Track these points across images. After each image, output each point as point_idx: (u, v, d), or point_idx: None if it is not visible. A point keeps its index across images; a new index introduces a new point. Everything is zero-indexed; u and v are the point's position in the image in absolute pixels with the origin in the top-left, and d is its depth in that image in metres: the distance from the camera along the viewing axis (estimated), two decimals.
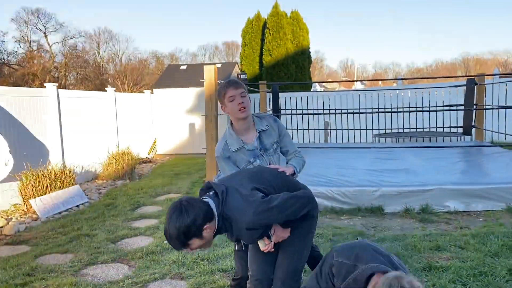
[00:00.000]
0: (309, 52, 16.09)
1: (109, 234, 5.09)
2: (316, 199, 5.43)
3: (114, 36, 48.45)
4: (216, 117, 6.03)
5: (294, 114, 8.93)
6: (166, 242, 4.57)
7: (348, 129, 11.37)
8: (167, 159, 11.80)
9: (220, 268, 3.85)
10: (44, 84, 7.81)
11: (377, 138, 11.37)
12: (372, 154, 8.21)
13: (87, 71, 43.86)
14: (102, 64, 46.92)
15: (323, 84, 60.04)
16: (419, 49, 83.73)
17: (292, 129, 11.27)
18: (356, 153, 8.46)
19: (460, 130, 9.77)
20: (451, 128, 10.48)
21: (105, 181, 8.66)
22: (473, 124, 9.20)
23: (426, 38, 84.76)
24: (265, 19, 15.80)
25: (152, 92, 12.54)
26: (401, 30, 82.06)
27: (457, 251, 3.98)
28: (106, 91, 10.07)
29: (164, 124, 12.18)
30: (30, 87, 34.62)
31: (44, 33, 42.92)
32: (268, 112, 10.87)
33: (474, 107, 9.05)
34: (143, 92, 12.76)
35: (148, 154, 12.22)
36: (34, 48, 41.87)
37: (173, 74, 12.91)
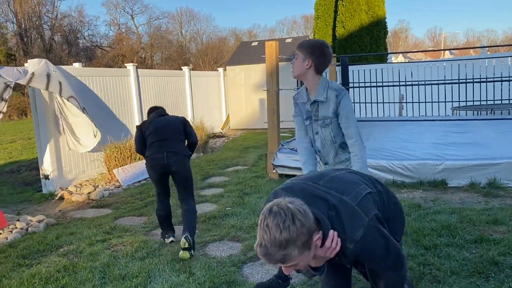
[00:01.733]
0: (385, 23, 15.45)
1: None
2: (377, 172, 5.48)
3: (195, 16, 50.13)
4: (277, 92, 6.22)
5: (363, 86, 8.76)
6: (228, 208, 4.96)
7: (425, 102, 10.89)
8: (239, 134, 12.26)
9: None
10: (125, 65, 8.51)
11: (456, 111, 10.80)
12: (445, 127, 7.89)
13: (171, 51, 45.99)
14: (185, 44, 48.81)
15: (408, 55, 57.06)
16: None
17: (365, 102, 11.06)
18: (429, 126, 8.17)
19: None
20: None
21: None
22: None
23: None
24: None
25: (225, 70, 12.99)
26: None
27: None
28: (182, 70, 10.66)
29: (236, 100, 12.61)
30: (120, 67, 37.32)
31: (131, 15, 45.57)
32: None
33: None
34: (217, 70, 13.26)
35: (222, 130, 12.78)
36: (123, 30, 44.76)
37: (245, 51, 13.23)
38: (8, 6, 33.97)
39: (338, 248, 1.66)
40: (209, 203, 5.43)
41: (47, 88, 5.92)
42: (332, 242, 1.64)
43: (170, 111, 9.74)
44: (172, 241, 4.11)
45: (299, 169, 6.06)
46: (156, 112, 4.20)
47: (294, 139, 7.28)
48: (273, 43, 6.20)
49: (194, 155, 9.07)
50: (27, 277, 3.43)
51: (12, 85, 5.41)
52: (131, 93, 8.38)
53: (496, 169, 5.20)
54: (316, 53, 2.56)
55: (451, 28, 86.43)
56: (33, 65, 6.01)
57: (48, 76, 5.94)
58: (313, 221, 1.58)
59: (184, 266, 3.52)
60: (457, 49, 22.94)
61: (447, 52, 50.68)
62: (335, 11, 15.41)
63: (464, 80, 10.81)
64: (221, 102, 12.99)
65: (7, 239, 4.49)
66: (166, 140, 3.95)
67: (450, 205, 4.63)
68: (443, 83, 8.55)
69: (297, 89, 3.47)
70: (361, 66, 12.20)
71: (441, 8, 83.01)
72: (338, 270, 2.12)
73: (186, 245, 3.67)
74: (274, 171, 6.28)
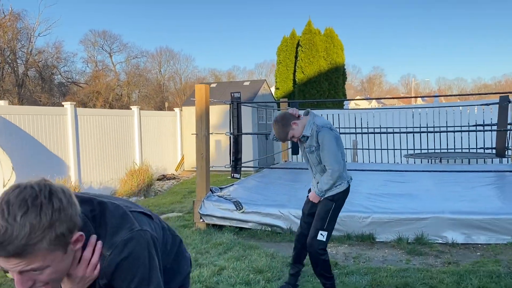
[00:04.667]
0: (344, 69, 15.67)
1: None
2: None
3: (175, 56, 50.61)
4: (206, 137, 5.97)
5: None
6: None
7: (375, 149, 10.83)
8: (192, 176, 11.90)
9: None
10: (63, 103, 8.19)
11: (408, 158, 10.73)
12: (388, 176, 7.72)
13: (149, 89, 46.06)
14: (163, 82, 49.04)
15: (382, 100, 58.39)
16: (487, 63, 79.05)
17: None
18: (371, 175, 7.99)
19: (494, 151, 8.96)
20: (485, 150, 9.64)
21: (120, 196, 8.86)
22: (507, 145, 8.39)
23: (497, 51, 79.86)
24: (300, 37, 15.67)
25: (181, 110, 12.78)
26: (468, 44, 78.09)
27: None
28: (130, 109, 10.40)
29: (191, 141, 12.32)
30: (94, 104, 36.88)
31: (109, 53, 45.68)
32: None
33: (509, 127, 8.26)
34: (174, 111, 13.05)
35: (176, 171, 12.41)
36: (100, 67, 44.71)
37: None
38: None
39: (97, 260, 1.21)
40: None
41: None
42: (92, 251, 1.20)
43: (116, 153, 9.44)
44: None
45: (227, 219, 5.75)
46: None
47: (232, 185, 7.00)
48: (203, 86, 6.01)
49: (133, 199, 8.64)
50: None
51: None
52: (67, 134, 8.01)
53: (423, 224, 4.96)
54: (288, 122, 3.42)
55: (424, 76, 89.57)
56: None
57: None
58: (78, 215, 1.13)
59: None
60: (404, 97, 23.41)
61: (419, 99, 52.04)
62: (296, 57, 15.58)
63: (416, 129, 10.83)
64: (177, 142, 12.69)
65: None
66: None
67: (369, 264, 4.33)
68: (392, 132, 8.48)
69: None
70: (318, 111, 12.15)
71: (414, 56, 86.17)
72: None
73: None
74: (201, 220, 5.92)
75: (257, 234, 5.59)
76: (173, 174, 11.91)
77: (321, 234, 3.40)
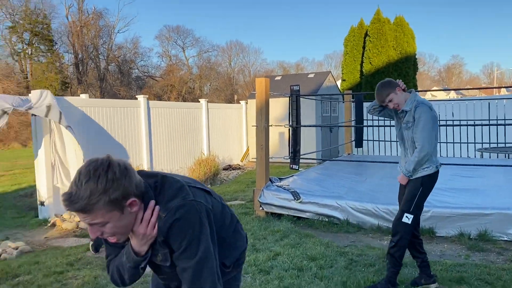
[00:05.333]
0: (415, 59, 15.05)
1: None
2: (361, 215, 5.20)
3: (245, 49, 51.52)
4: (266, 129, 6.14)
5: (377, 126, 8.49)
6: None
7: (446, 142, 10.36)
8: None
9: None
10: (136, 96, 8.78)
11: (480, 153, 10.16)
12: (456, 170, 7.42)
13: (219, 82, 47.35)
14: (233, 75, 50.13)
15: (461, 91, 54.99)
16: None
17: (378, 141, 10.71)
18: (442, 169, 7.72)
19: None
20: None
21: None
22: None
23: None
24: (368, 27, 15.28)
25: (247, 103, 13.09)
26: None
27: (480, 286, 3.47)
28: (198, 102, 10.87)
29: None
30: (168, 97, 38.65)
31: (182, 48, 47.53)
32: (353, 122, 10.53)
33: None
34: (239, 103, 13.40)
35: (241, 161, 12.77)
36: (174, 61, 46.66)
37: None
38: (68, 38, 36.49)
39: (155, 221, 1.48)
40: None
41: (46, 116, 6.20)
42: (151, 213, 1.47)
43: (184, 143, 9.95)
44: None
45: (285, 208, 5.91)
46: None
47: (292, 176, 7.13)
48: (263, 80, 6.17)
49: None
50: None
51: (9, 112, 5.70)
52: (140, 125, 8.59)
53: (487, 219, 4.77)
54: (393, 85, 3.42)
55: (509, 65, 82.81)
56: (35, 95, 6.33)
57: (48, 106, 6.23)
58: (134, 185, 1.43)
59: None
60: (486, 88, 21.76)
61: (503, 89, 48.37)
62: (363, 47, 15.23)
63: (492, 122, 10.20)
64: (242, 134, 13.04)
65: None
66: None
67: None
68: (467, 125, 8.10)
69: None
70: None
71: (498, 44, 79.97)
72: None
73: None
74: (261, 208, 6.13)
75: (314, 224, 5.69)
76: (238, 165, 12.27)
77: (406, 216, 3.38)
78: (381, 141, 10.97)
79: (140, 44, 61.95)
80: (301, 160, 8.00)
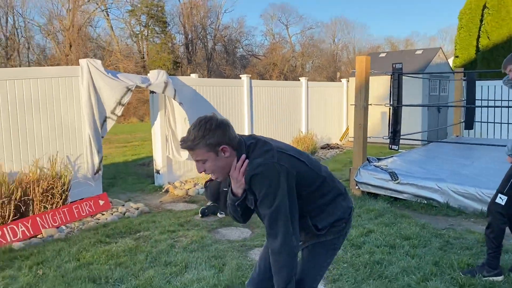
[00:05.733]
0: None
1: None
2: (463, 199, 5.05)
3: (349, 25, 50.19)
4: (365, 108, 6.14)
5: (492, 106, 7.91)
6: None
7: None
8: None
9: None
10: (240, 76, 9.24)
11: None
12: None
13: (322, 60, 46.90)
14: (336, 52, 49.25)
15: None
16: None
17: (494, 123, 9.94)
18: None
19: None
20: None
21: None
22: None
23: None
24: None
25: (348, 81, 12.93)
26: None
27: None
28: (299, 80, 11.05)
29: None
30: (270, 75, 39.42)
31: (286, 25, 47.75)
32: (463, 102, 9.91)
33: None
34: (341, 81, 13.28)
35: (340, 141, 12.75)
36: (277, 40, 47.17)
37: (372, 63, 12.92)
38: (179, 19, 38.81)
39: (243, 170, 1.89)
40: None
41: (163, 92, 6.89)
42: (241, 163, 1.90)
43: (283, 121, 10.25)
44: None
45: (382, 188, 5.92)
46: None
47: (392, 156, 7.04)
48: (364, 58, 6.15)
49: None
50: (99, 252, 4.20)
51: (132, 89, 6.44)
52: (243, 103, 9.06)
53: None
54: None
55: None
56: (154, 74, 7.05)
57: (166, 83, 6.91)
58: (227, 137, 1.89)
59: (219, 263, 3.87)
60: None
61: None
62: (481, 21, 13.98)
63: None
64: (342, 113, 12.97)
65: (106, 219, 5.45)
66: None
67: None
68: None
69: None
70: (500, 81, 10.89)
71: None
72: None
73: None
74: (357, 187, 6.21)
75: (412, 205, 5.64)
76: (337, 144, 12.29)
77: (500, 197, 3.33)
78: (496, 123, 10.16)
79: (245, 23, 63.49)
80: (404, 142, 7.85)
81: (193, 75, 8.34)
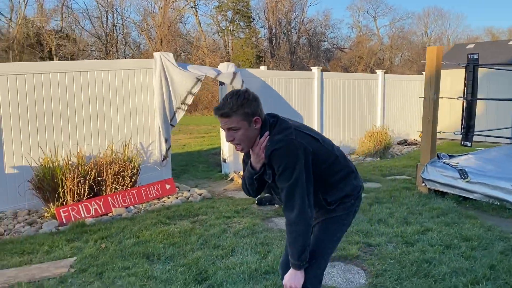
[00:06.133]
0: None
1: None
2: None
3: (444, 15, 47.22)
4: (434, 100, 5.81)
5: None
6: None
7: None
8: (438, 143, 11.39)
9: None
10: (311, 68, 9.19)
11: None
12: None
13: (412, 53, 44.74)
14: (428, 44, 46.61)
15: None
16: None
17: None
18: None
19: None
20: None
21: (357, 156, 9.45)
22: None
23: None
24: None
25: None
26: None
27: None
28: (375, 73, 10.69)
29: (441, 106, 11.73)
30: (355, 69, 38.38)
31: (374, 17, 46.23)
32: None
33: None
34: None
35: (420, 137, 12.10)
36: (363, 32, 45.83)
37: (457, 55, 12.09)
38: (264, 13, 39.32)
39: (265, 145, 1.99)
40: None
41: (231, 83, 7.11)
42: (264, 140, 2.01)
43: (355, 114, 10.00)
44: None
45: (450, 186, 5.58)
46: None
47: (466, 154, 6.59)
48: (435, 48, 5.80)
49: (368, 159, 9.10)
50: (157, 232, 4.51)
51: (202, 79, 6.72)
52: (313, 95, 9.02)
53: None
54: None
55: None
56: (223, 66, 7.30)
57: (234, 74, 7.13)
58: (259, 110, 2.01)
59: (265, 250, 3.96)
60: None
61: None
62: None
63: None
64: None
65: (171, 202, 5.80)
66: None
67: None
68: None
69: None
70: None
71: None
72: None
73: None
74: (423, 184, 5.91)
75: (482, 206, 5.25)
76: (415, 140, 11.70)
77: None
78: None
79: (331, 16, 62.33)
80: (487, 139, 7.28)
81: (262, 67, 8.49)
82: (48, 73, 5.60)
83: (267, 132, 2.02)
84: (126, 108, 6.35)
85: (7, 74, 5.34)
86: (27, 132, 5.44)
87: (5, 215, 5.14)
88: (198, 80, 6.67)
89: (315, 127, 9.05)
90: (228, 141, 2.04)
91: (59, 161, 5.20)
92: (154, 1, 33.98)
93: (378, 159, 9.16)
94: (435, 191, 5.83)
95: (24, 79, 5.38)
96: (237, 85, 7.10)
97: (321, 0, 56.61)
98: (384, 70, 10.93)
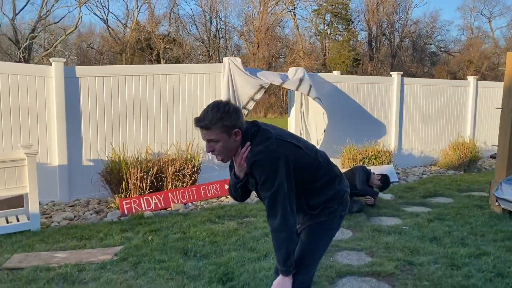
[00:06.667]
0: None
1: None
2: None
3: None
4: None
5: None
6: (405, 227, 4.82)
7: None
8: None
9: None
10: (390, 73, 8.79)
11: None
12: None
13: None
14: None
15: None
16: None
17: None
18: None
19: None
20: None
21: (438, 168, 8.82)
22: None
23: None
24: None
25: None
26: None
27: None
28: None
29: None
30: (464, 74, 35.45)
31: (489, 18, 42.45)
32: None
33: None
34: None
35: None
36: (476, 34, 42.27)
37: None
38: (364, 15, 38.28)
39: (246, 155, 2.03)
40: (396, 218, 5.32)
41: (297, 89, 7.13)
42: (245, 150, 2.05)
43: (439, 123, 9.30)
44: None
45: None
46: None
47: None
48: None
49: (450, 172, 8.45)
50: (203, 229, 4.70)
51: (266, 86, 6.84)
52: (392, 101, 8.61)
53: None
54: None
55: None
56: (292, 71, 7.34)
57: (301, 80, 7.13)
58: (240, 122, 2.03)
59: None
60: None
61: None
62: None
63: None
64: None
65: (228, 202, 6.00)
66: None
67: None
68: None
69: None
70: None
71: None
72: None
73: None
74: (497, 204, 5.35)
75: None
76: None
77: None
78: None
79: (439, 17, 58.47)
80: None
81: (335, 72, 8.33)
82: (124, 76, 6.14)
83: (248, 143, 2.05)
84: (194, 110, 6.69)
85: (95, 76, 5.98)
86: (103, 129, 6.03)
87: (79, 202, 5.76)
88: (262, 87, 6.79)
89: (392, 135, 8.65)
90: (208, 151, 2.09)
91: (125, 156, 5.68)
92: (254, 6, 34.99)
93: (462, 172, 8.45)
94: (510, 212, 5.24)
95: (109, 81, 6.03)
96: (304, 90, 7.08)
97: (429, 1, 53.49)
98: (478, 77, 10.02)
